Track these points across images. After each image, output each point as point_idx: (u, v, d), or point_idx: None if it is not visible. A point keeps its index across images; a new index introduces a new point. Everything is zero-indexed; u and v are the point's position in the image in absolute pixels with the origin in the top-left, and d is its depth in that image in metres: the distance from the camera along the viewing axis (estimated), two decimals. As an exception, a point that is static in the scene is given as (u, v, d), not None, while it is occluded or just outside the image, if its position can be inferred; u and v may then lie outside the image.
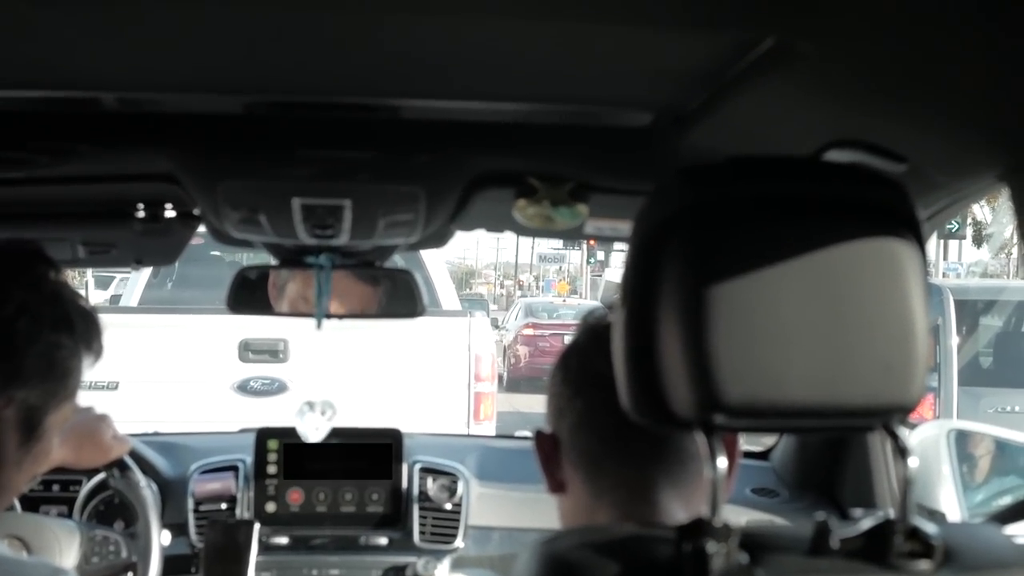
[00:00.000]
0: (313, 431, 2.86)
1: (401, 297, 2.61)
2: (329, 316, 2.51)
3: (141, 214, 2.27)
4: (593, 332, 1.49)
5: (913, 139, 1.47)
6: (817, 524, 1.09)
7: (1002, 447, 3.46)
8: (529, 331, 22.19)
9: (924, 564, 1.06)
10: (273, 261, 2.54)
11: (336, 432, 2.90)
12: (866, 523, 1.10)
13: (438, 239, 2.37)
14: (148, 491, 2.49)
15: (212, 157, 1.90)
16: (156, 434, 3.28)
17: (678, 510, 1.38)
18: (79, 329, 1.46)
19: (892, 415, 1.10)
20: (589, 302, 29.69)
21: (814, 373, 1.06)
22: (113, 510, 2.74)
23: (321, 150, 1.86)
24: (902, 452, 1.09)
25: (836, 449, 2.71)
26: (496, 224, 2.30)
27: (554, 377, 1.51)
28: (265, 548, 2.77)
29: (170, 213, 2.29)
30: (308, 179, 1.91)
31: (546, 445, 1.50)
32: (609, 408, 1.31)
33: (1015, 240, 27.05)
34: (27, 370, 1.38)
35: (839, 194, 1.12)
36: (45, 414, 1.43)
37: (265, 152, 1.88)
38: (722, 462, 1.07)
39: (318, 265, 2.42)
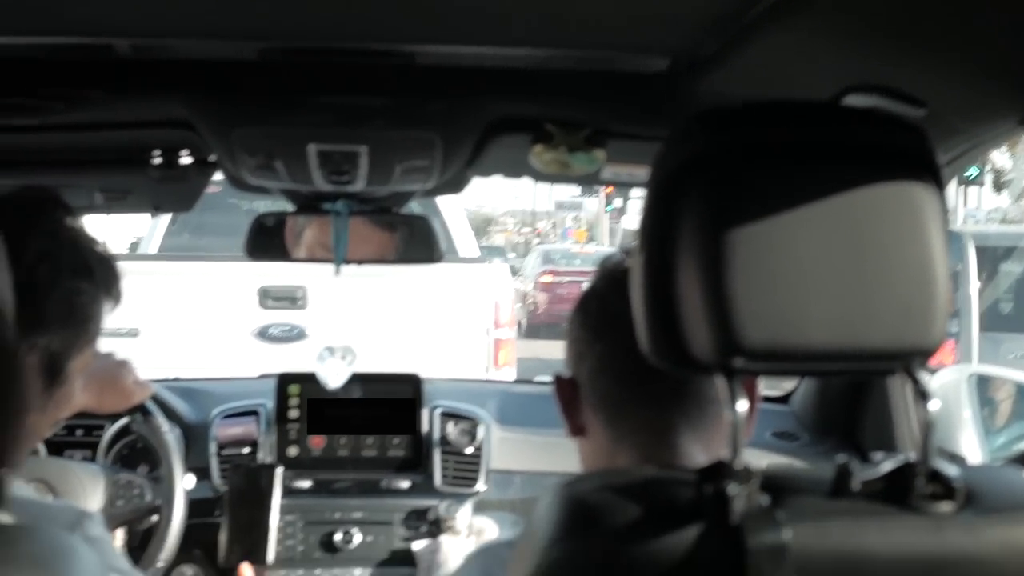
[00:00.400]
0: (333, 376, 2.88)
1: (418, 243, 2.61)
2: (347, 262, 2.51)
3: (157, 160, 2.28)
4: (611, 277, 1.49)
5: (932, 84, 1.46)
6: (838, 467, 1.09)
7: (1022, 391, 3.46)
8: (547, 278, 22.21)
9: (945, 506, 1.06)
10: (290, 208, 2.54)
11: (356, 377, 2.92)
12: (887, 465, 1.10)
13: (454, 185, 2.37)
14: (171, 435, 2.51)
15: (227, 103, 1.90)
16: (177, 379, 3.30)
17: (698, 453, 1.39)
18: (98, 275, 1.47)
19: (913, 358, 1.10)
20: (607, 249, 29.66)
21: (834, 316, 1.06)
22: (136, 454, 2.76)
23: (336, 96, 1.86)
24: (923, 395, 1.09)
25: (856, 393, 2.71)
26: (513, 170, 2.29)
27: (573, 322, 1.51)
28: (288, 492, 2.79)
29: (186, 160, 2.29)
30: (324, 125, 1.91)
31: (566, 389, 1.50)
32: (629, 352, 1.31)
33: (1035, 186, 26.93)
34: (48, 316, 1.39)
35: (858, 138, 1.11)
36: (67, 359, 1.44)
37: (280, 98, 1.88)
38: (742, 405, 1.07)
39: (335, 211, 2.42)
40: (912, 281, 1.07)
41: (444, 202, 6.65)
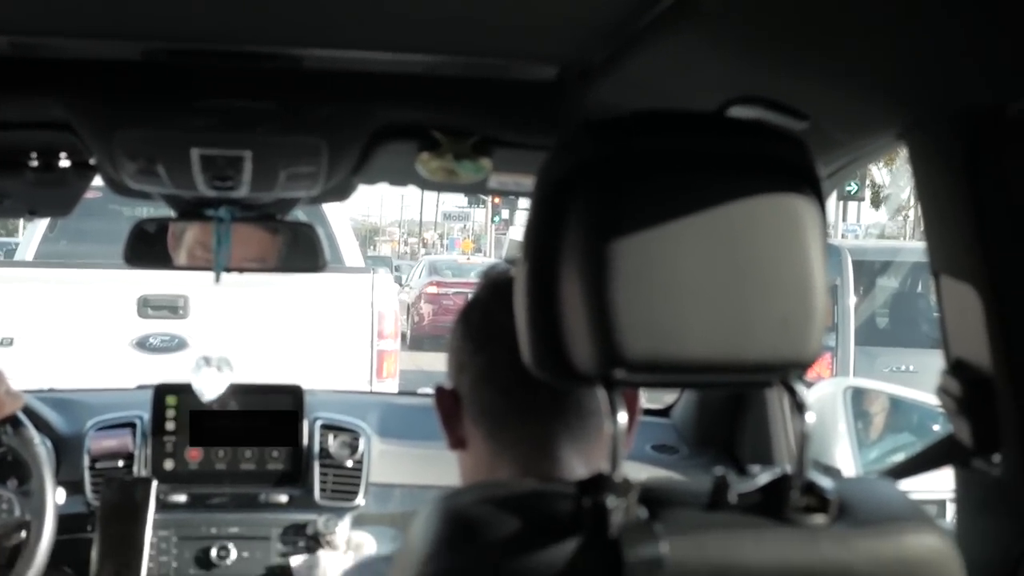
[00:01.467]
0: (209, 387, 2.82)
1: (303, 251, 2.58)
2: (229, 269, 2.47)
3: (35, 163, 2.22)
4: (495, 287, 1.48)
5: (814, 96, 1.48)
6: (715, 479, 1.10)
7: (897, 404, 3.53)
8: (433, 289, 22.19)
9: (819, 518, 1.07)
10: (172, 213, 2.49)
11: (236, 388, 2.87)
12: (763, 478, 1.11)
13: (340, 192, 2.35)
14: (42, 448, 2.45)
15: (108, 105, 1.86)
16: (52, 390, 3.22)
17: (579, 466, 1.38)
18: None
19: (790, 370, 1.11)
20: (493, 260, 29.75)
21: (713, 328, 1.06)
22: (5, 467, 2.68)
23: (221, 99, 1.83)
24: (799, 407, 1.10)
25: (735, 406, 2.74)
26: (399, 177, 2.28)
27: (455, 332, 1.50)
28: (163, 506, 2.74)
29: (65, 163, 2.24)
30: (207, 129, 1.88)
31: (446, 401, 1.49)
32: (510, 363, 1.30)
33: (911, 202, 27.63)
34: None
35: (740, 149, 1.12)
36: None
37: (163, 101, 1.84)
38: (622, 417, 1.07)
39: (217, 217, 2.39)
40: (790, 293, 1.07)
41: (330, 210, 6.61)
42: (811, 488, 1.08)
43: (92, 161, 2.21)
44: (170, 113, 1.86)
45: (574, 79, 1.71)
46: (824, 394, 3.25)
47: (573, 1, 1.40)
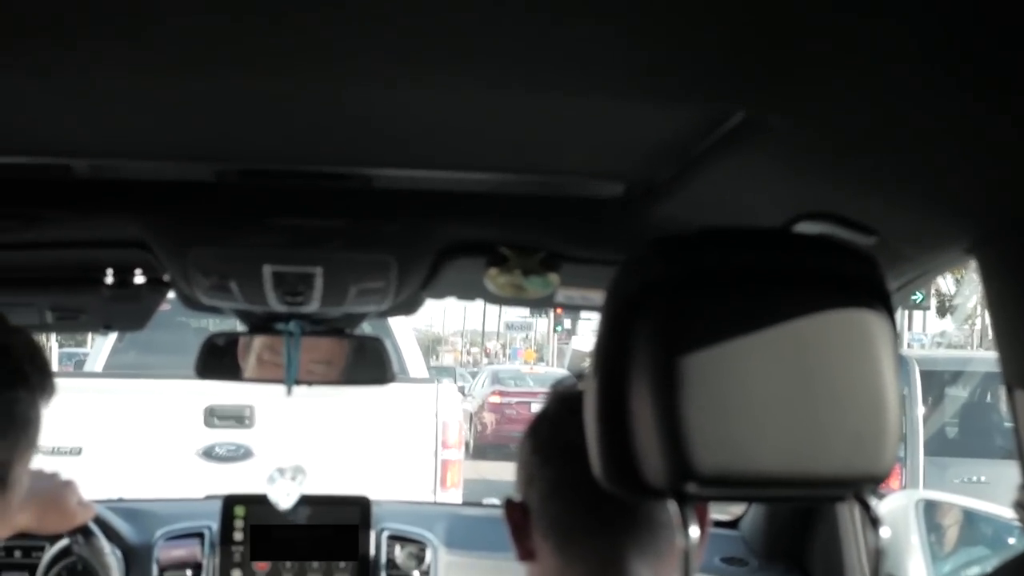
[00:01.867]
0: (284, 497, 2.83)
1: (371, 364, 2.60)
2: (299, 382, 2.50)
3: (110, 280, 2.26)
4: (563, 401, 1.49)
5: (882, 212, 1.48)
6: None
7: (970, 517, 3.47)
8: (496, 399, 22.15)
9: None
10: (242, 327, 2.53)
11: (305, 500, 2.88)
12: None
13: (409, 306, 2.37)
14: (112, 557, 2.46)
15: (182, 224, 1.90)
16: (121, 500, 3.24)
17: (649, 579, 1.38)
18: (33, 379, 1.45)
19: (863, 485, 1.10)
20: (556, 370, 29.66)
21: (786, 443, 1.06)
22: None
23: (292, 218, 1.87)
24: (874, 522, 1.09)
25: (805, 518, 2.70)
26: (467, 292, 2.30)
27: (524, 445, 1.50)
28: None
29: (140, 279, 2.28)
30: (279, 247, 1.91)
31: (516, 514, 1.49)
32: (579, 477, 1.30)
33: (979, 311, 27.32)
34: None
35: (810, 265, 1.13)
36: (12, 467, 1.42)
37: (236, 219, 1.88)
38: (694, 531, 1.07)
39: (287, 332, 2.42)
40: (863, 408, 1.07)
41: (395, 321, 6.65)
42: (888, 605, 1.07)
43: (166, 277, 2.25)
44: (243, 231, 1.90)
45: (640, 196, 1.73)
46: (896, 506, 3.20)
47: (639, 122, 1.42)
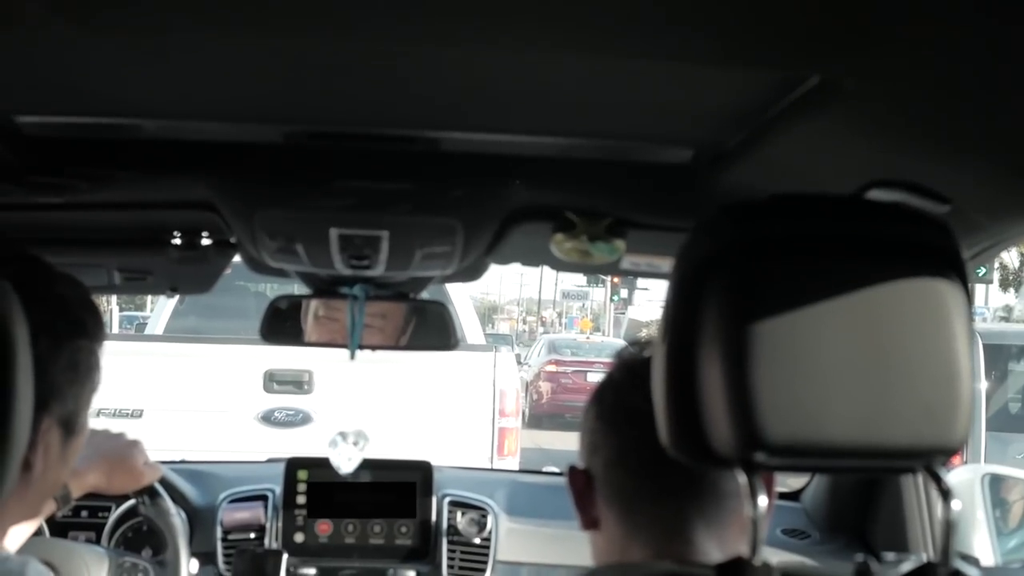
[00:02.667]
0: (346, 461, 2.85)
1: (434, 329, 2.61)
2: (362, 347, 2.51)
3: (177, 241, 2.28)
4: (628, 368, 1.48)
5: (956, 180, 1.46)
6: (857, 565, 1.09)
7: (1036, 492, 3.43)
8: (552, 368, 22.15)
9: None
10: (306, 291, 2.54)
11: (366, 463, 2.90)
12: (906, 566, 1.09)
13: (473, 272, 2.37)
14: (178, 519, 2.48)
15: (251, 186, 1.91)
16: (184, 462, 3.28)
17: (713, 549, 1.37)
18: (91, 327, 1.47)
19: (934, 457, 1.09)
20: (612, 339, 29.66)
21: (856, 413, 1.05)
22: (141, 537, 2.74)
23: (359, 181, 1.87)
24: (944, 495, 1.08)
25: (868, 491, 2.69)
26: (532, 258, 2.30)
27: (588, 412, 1.50)
28: None
29: (206, 241, 2.30)
30: (346, 210, 1.92)
31: (579, 481, 1.49)
32: (644, 445, 1.30)
33: (1043, 285, 26.98)
34: (58, 383, 1.39)
35: (884, 233, 1.12)
36: (80, 413, 1.44)
37: (304, 182, 1.88)
38: (763, 501, 1.06)
39: (352, 296, 2.42)
40: (936, 378, 1.06)
41: (453, 289, 6.67)
42: (957, 576, 1.06)
43: (233, 240, 2.26)
44: (310, 194, 1.90)
45: (708, 162, 1.72)
46: (961, 480, 3.17)
47: (708, 86, 1.40)
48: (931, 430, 1.06)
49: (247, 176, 1.89)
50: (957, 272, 1.10)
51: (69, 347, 1.41)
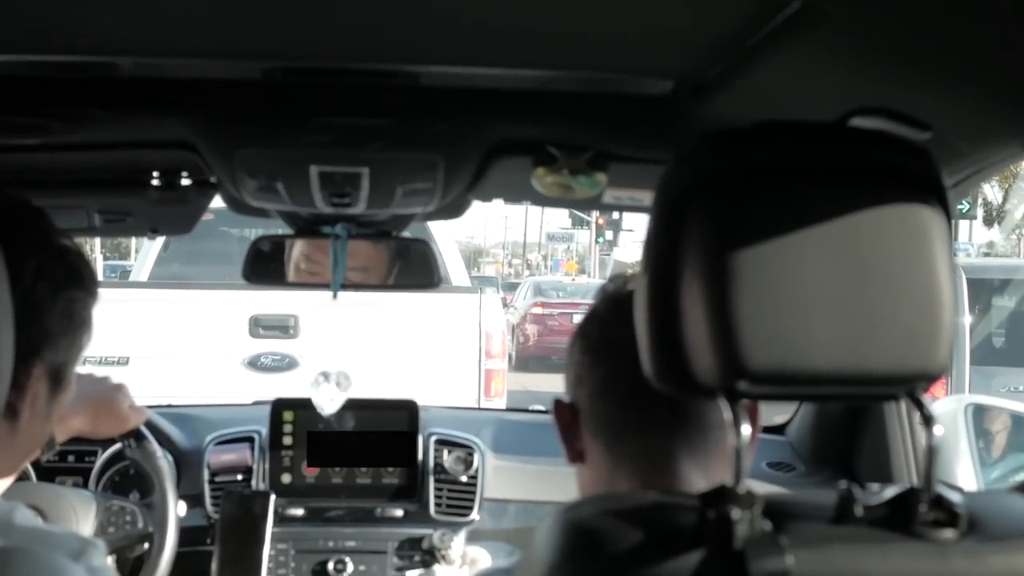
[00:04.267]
0: (328, 402, 2.86)
1: (417, 267, 2.61)
2: (345, 287, 2.50)
3: (157, 182, 2.27)
4: (613, 300, 1.48)
5: (938, 107, 1.46)
6: (840, 492, 1.09)
7: (1019, 422, 3.45)
8: (538, 310, 22.22)
9: (948, 533, 1.05)
10: (288, 231, 2.53)
11: (353, 404, 2.90)
12: (890, 492, 1.09)
13: (455, 209, 2.37)
14: (164, 461, 2.49)
15: (229, 124, 1.89)
16: (170, 406, 3.28)
17: (698, 479, 1.38)
18: (87, 280, 1.47)
19: (917, 383, 1.09)
20: (597, 281, 29.71)
21: (839, 340, 1.05)
22: (128, 481, 2.74)
23: (339, 117, 1.85)
24: (927, 420, 1.08)
25: (853, 423, 2.70)
26: (514, 193, 2.29)
27: (573, 346, 1.50)
28: (280, 519, 2.78)
29: (186, 181, 2.28)
30: (326, 146, 1.91)
31: (565, 414, 1.49)
32: (629, 376, 1.30)
33: (1026, 220, 27.08)
34: (52, 331, 1.39)
35: (866, 159, 1.11)
36: (69, 366, 1.44)
37: (283, 119, 1.87)
38: (746, 429, 1.06)
39: (334, 235, 2.42)
40: (918, 304, 1.06)
41: (437, 230, 6.66)
42: (940, 502, 1.07)
43: (212, 179, 2.25)
44: (289, 131, 1.89)
45: (689, 93, 1.71)
46: (945, 411, 3.19)
47: (688, 14, 1.39)
48: (913, 356, 1.06)
49: (225, 114, 1.87)
50: (939, 199, 1.10)
51: (65, 296, 1.41)
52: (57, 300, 1.39)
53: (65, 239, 1.46)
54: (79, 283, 1.44)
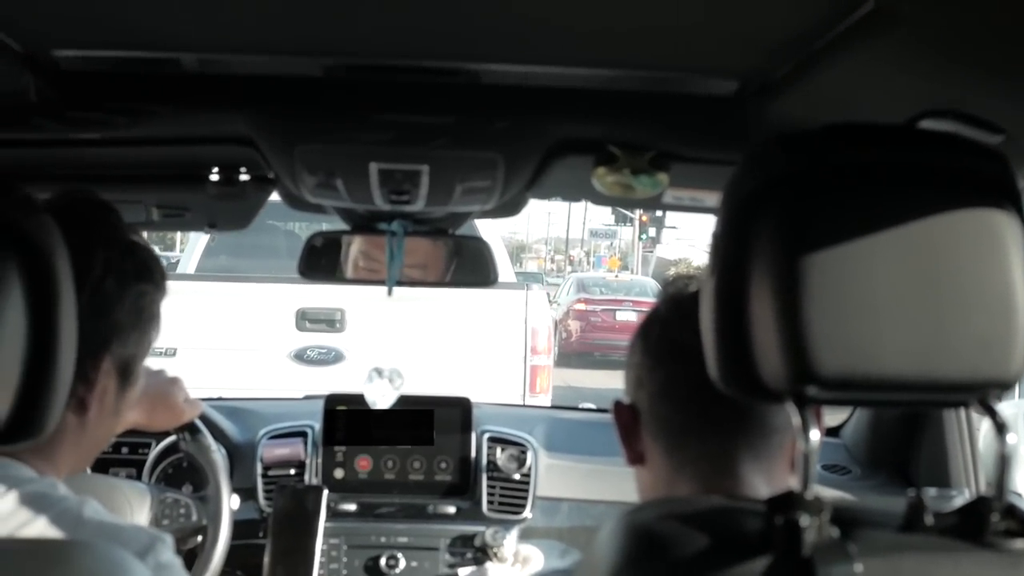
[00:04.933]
0: (381, 397, 2.87)
1: (473, 265, 2.61)
2: (400, 283, 2.50)
3: (215, 177, 2.27)
4: (674, 302, 1.48)
5: (1009, 109, 1.44)
6: (910, 500, 1.08)
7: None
8: (581, 306, 22.18)
9: (1021, 543, 1.04)
10: (344, 227, 2.53)
11: (406, 400, 2.91)
12: (960, 500, 1.08)
13: (513, 207, 2.36)
14: (218, 455, 2.50)
15: (289, 120, 1.90)
16: (222, 399, 3.30)
17: (761, 484, 1.37)
18: (156, 275, 1.48)
19: (989, 390, 1.08)
20: (640, 278, 29.66)
21: (909, 346, 1.04)
22: (181, 473, 2.77)
23: (399, 114, 1.85)
24: (999, 428, 1.07)
25: (910, 426, 2.68)
26: (574, 192, 2.29)
27: (633, 347, 1.50)
28: (333, 514, 2.79)
29: (244, 177, 2.29)
30: (386, 144, 1.90)
31: (625, 416, 1.49)
32: (690, 379, 1.30)
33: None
34: (122, 325, 1.41)
35: (939, 162, 1.10)
36: (137, 361, 1.46)
37: (343, 116, 1.87)
38: (815, 435, 1.06)
39: (390, 232, 2.42)
40: (991, 311, 1.05)
41: (483, 227, 6.67)
42: (1012, 511, 1.06)
43: (271, 175, 2.26)
44: (349, 128, 1.89)
45: (754, 93, 1.70)
46: (1006, 416, 3.16)
47: (756, 13, 1.38)
48: (986, 363, 1.05)
49: (286, 110, 1.88)
50: (1013, 202, 1.08)
51: (135, 290, 1.43)
52: (126, 294, 1.41)
53: (134, 235, 1.47)
54: (148, 277, 1.46)
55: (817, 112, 1.57)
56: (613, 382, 1.56)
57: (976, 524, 1.06)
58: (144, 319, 1.45)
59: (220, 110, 1.90)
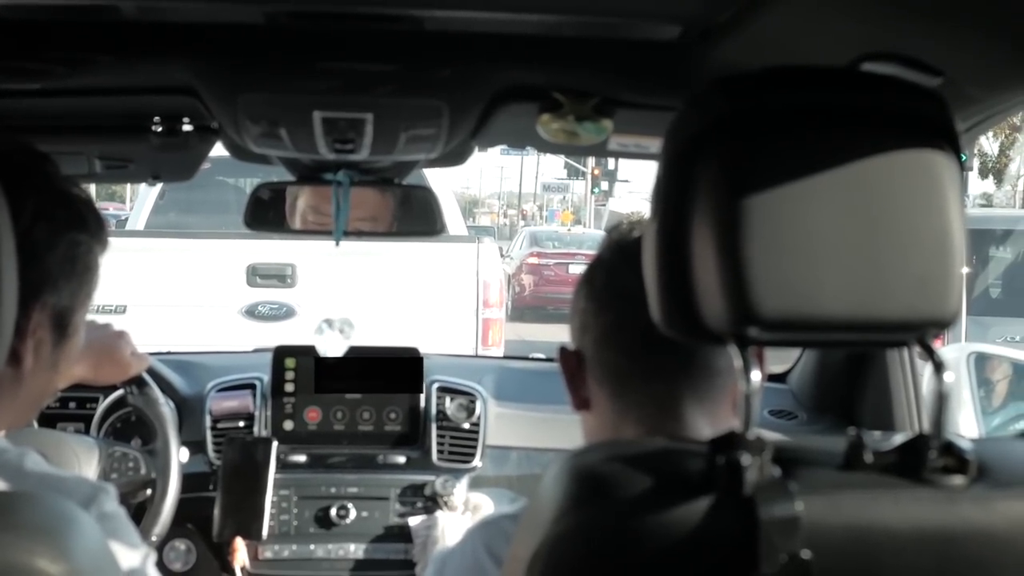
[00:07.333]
0: (331, 348, 2.87)
1: (420, 214, 2.60)
2: (347, 234, 2.49)
3: (158, 128, 2.25)
4: (619, 247, 1.48)
5: (949, 51, 1.44)
6: (850, 439, 1.09)
7: (1020, 371, 3.45)
8: (534, 260, 22.19)
9: (958, 479, 1.05)
10: (290, 178, 2.52)
11: (355, 350, 2.91)
12: (899, 438, 1.09)
13: (458, 156, 2.35)
14: (167, 408, 2.49)
15: (232, 69, 1.88)
16: (171, 353, 3.28)
17: (704, 426, 1.38)
18: (92, 225, 1.46)
19: (927, 329, 1.09)
20: (593, 231, 29.70)
21: (850, 286, 1.04)
22: (130, 427, 2.75)
23: (343, 63, 1.84)
24: (937, 367, 1.08)
25: (855, 371, 2.70)
26: (519, 139, 2.28)
27: (578, 293, 1.50)
28: (283, 466, 2.79)
29: (188, 127, 2.26)
30: (329, 92, 1.89)
31: (570, 362, 1.49)
32: (635, 323, 1.30)
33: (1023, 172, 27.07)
34: (53, 274, 1.38)
35: (878, 104, 1.10)
36: (74, 313, 1.43)
37: (286, 64, 1.85)
38: (756, 376, 1.06)
39: (336, 181, 2.40)
40: (929, 251, 1.06)
41: (433, 180, 6.65)
42: (949, 448, 1.07)
43: (214, 125, 2.24)
44: (293, 76, 1.88)
45: (697, 39, 1.69)
46: (947, 359, 3.20)
47: None
48: (925, 302, 1.06)
49: (228, 59, 1.85)
50: (951, 144, 1.09)
51: (67, 239, 1.40)
52: (58, 242, 1.38)
53: (72, 185, 1.45)
54: (83, 227, 1.43)
55: (759, 57, 1.57)
56: (566, 336, 1.56)
57: (914, 461, 1.06)
58: (79, 269, 1.42)
59: (161, 59, 1.88)
